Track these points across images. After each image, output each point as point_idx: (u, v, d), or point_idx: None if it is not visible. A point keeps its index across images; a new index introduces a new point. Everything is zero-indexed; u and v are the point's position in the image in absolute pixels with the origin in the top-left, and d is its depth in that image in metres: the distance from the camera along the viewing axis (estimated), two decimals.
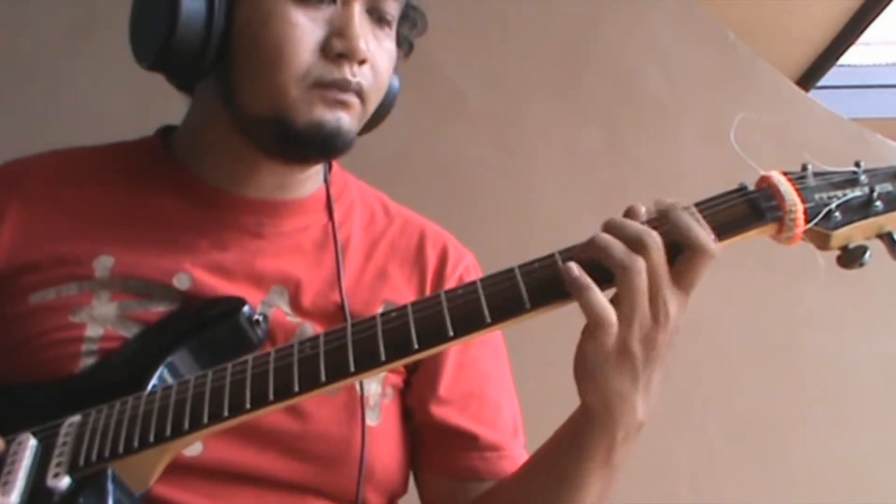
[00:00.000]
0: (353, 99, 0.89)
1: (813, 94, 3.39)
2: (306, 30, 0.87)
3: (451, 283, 1.00)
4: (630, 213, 0.79)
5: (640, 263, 0.74)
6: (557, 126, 1.74)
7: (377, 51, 0.91)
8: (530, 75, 1.75)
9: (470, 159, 1.71)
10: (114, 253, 0.91)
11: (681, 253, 0.76)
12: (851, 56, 3.80)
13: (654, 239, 0.75)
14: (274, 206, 0.95)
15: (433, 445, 0.97)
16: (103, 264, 0.91)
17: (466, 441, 0.96)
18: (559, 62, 1.76)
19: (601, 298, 0.74)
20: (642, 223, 0.77)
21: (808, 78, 3.83)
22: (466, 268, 1.03)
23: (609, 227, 0.77)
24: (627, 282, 0.74)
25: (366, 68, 0.89)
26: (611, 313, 0.74)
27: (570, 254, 0.77)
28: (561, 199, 1.70)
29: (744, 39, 1.77)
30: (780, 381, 1.68)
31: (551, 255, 0.78)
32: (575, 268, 0.74)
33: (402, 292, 0.97)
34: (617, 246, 0.75)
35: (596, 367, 0.76)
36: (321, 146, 0.89)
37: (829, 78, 3.86)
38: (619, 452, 0.82)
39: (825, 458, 1.67)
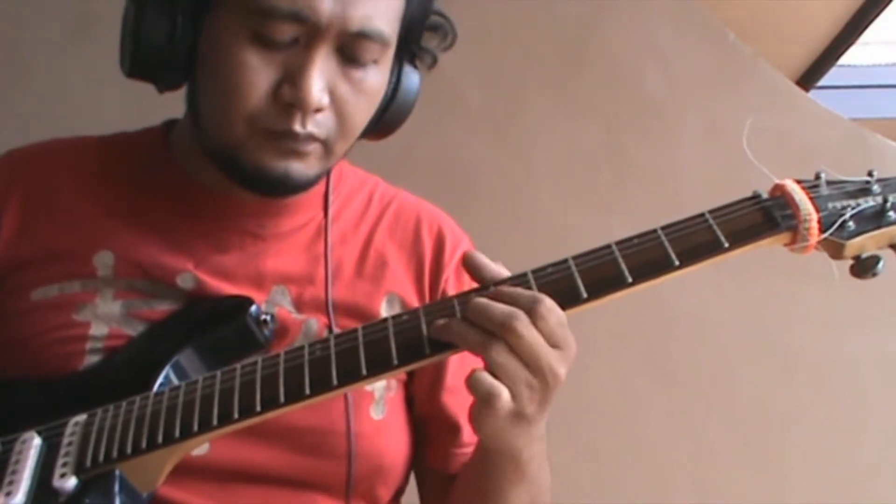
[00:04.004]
0: (307, 147, 0.85)
1: (813, 94, 3.39)
2: (259, 72, 0.82)
3: (448, 270, 1.00)
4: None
5: (499, 348, 0.73)
6: (557, 126, 1.74)
7: (348, 94, 0.85)
8: (530, 75, 1.75)
9: (470, 159, 1.71)
10: (113, 249, 0.91)
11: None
12: (851, 56, 3.81)
13: (516, 318, 0.73)
14: (274, 207, 0.95)
15: (433, 437, 0.97)
16: (104, 262, 0.91)
17: (459, 434, 0.96)
18: (559, 62, 1.76)
19: (485, 379, 0.74)
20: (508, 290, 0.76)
21: (808, 78, 3.84)
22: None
23: (470, 313, 0.76)
24: (494, 367, 0.74)
25: (323, 116, 0.85)
26: (496, 391, 0.74)
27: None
28: (560, 198, 1.71)
29: (744, 39, 1.77)
30: (780, 381, 1.69)
31: (565, 261, 0.78)
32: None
33: (402, 281, 0.97)
34: (471, 336, 0.74)
35: (492, 432, 0.78)
36: (269, 189, 0.88)
37: (829, 78, 3.87)
38: (531, 465, 0.84)
39: (825, 457, 1.67)
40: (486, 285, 0.79)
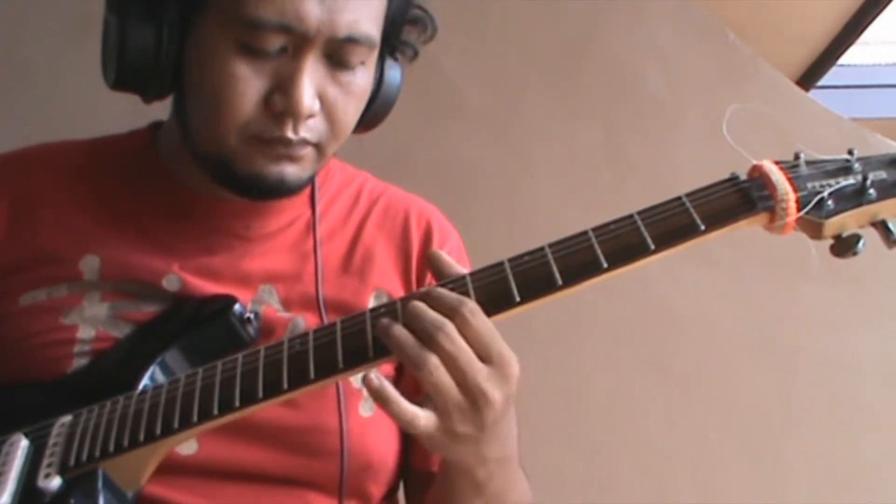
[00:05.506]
0: (300, 152, 0.85)
1: (813, 93, 3.39)
2: (248, 82, 0.82)
3: None
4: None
5: (432, 360, 0.72)
6: (556, 125, 1.74)
7: (338, 97, 0.86)
8: (529, 74, 1.75)
9: (469, 159, 1.71)
10: (99, 253, 0.91)
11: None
12: (851, 56, 3.81)
13: (446, 331, 0.73)
14: (260, 208, 0.95)
15: (415, 435, 0.97)
16: (90, 265, 0.91)
17: None
18: (558, 61, 1.76)
19: (404, 408, 0.73)
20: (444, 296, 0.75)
21: (808, 78, 3.84)
22: (450, 250, 1.02)
23: (406, 317, 0.75)
24: (425, 380, 0.73)
25: (314, 121, 0.85)
26: (417, 420, 0.73)
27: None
28: (559, 197, 1.71)
29: (744, 39, 1.77)
30: (779, 381, 1.68)
31: (541, 248, 0.78)
32: (374, 379, 0.72)
33: (389, 276, 0.97)
34: (409, 343, 0.73)
35: (433, 446, 0.77)
36: (265, 194, 0.88)
37: (829, 78, 3.87)
38: (489, 485, 0.83)
39: (825, 457, 1.67)
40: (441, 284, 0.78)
